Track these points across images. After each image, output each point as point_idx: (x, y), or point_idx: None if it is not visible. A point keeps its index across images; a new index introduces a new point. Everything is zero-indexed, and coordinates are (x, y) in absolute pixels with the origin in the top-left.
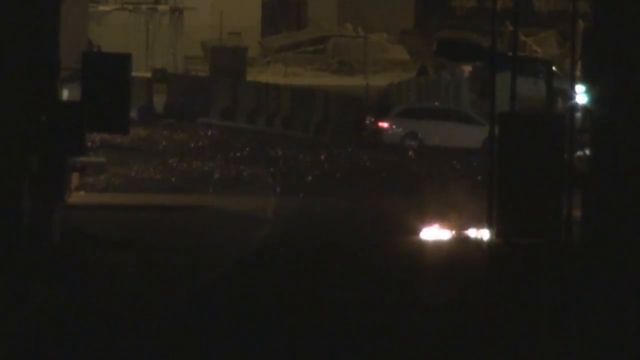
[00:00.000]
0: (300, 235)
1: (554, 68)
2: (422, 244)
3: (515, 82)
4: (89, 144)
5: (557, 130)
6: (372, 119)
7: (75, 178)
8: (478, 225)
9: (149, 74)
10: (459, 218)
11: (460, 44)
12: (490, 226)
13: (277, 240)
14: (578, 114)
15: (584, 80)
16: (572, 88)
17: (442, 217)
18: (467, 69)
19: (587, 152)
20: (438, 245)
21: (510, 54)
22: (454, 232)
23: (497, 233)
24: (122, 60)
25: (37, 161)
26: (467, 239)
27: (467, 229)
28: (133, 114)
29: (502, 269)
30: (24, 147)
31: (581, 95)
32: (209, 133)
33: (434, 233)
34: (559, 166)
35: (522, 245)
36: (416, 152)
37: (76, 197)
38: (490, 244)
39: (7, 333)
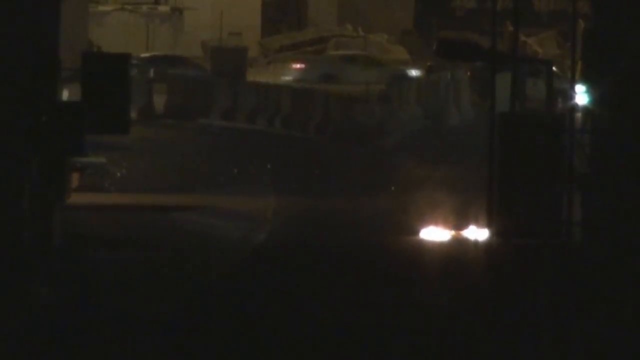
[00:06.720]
0: (300, 235)
1: (554, 68)
2: (422, 244)
3: (515, 82)
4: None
5: (557, 131)
6: None
7: (75, 178)
8: (478, 225)
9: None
10: (457, 218)
11: (460, 44)
12: (490, 226)
13: (277, 240)
14: (578, 114)
15: (584, 80)
16: (572, 88)
17: (441, 217)
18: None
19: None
20: (437, 245)
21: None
22: (453, 231)
23: (497, 233)
24: (122, 60)
25: (37, 161)
26: (466, 239)
27: (466, 228)
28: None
29: (502, 269)
30: (24, 148)
31: (581, 95)
32: (209, 133)
33: (434, 233)
34: (559, 166)
35: (522, 245)
36: None
37: (76, 197)
38: (490, 243)
39: (7, 333)
